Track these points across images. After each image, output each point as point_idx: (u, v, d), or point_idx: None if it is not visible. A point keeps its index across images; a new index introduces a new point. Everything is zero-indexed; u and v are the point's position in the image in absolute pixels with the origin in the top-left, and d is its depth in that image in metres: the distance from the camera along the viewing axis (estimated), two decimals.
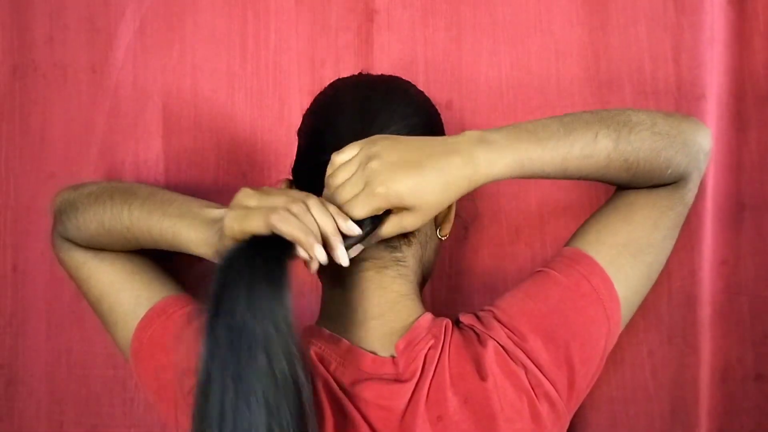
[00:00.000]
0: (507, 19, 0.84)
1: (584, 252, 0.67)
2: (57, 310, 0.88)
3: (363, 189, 0.57)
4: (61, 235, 0.75)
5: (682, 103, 0.81)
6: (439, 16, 0.85)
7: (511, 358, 0.62)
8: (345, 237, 0.57)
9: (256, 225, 0.55)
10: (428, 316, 0.66)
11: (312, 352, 0.64)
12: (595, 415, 0.82)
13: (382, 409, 0.61)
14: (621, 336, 0.70)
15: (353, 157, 0.59)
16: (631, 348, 0.81)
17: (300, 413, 0.50)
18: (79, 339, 0.87)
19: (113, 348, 0.78)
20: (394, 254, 0.66)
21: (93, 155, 0.87)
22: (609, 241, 0.68)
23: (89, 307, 0.78)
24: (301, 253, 0.55)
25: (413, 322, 0.65)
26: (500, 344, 0.63)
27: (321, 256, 0.55)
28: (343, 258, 0.56)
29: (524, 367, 0.62)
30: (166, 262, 0.78)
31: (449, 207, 0.69)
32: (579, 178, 0.65)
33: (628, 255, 0.67)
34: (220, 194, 0.82)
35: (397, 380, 0.62)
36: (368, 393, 0.62)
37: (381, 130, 0.62)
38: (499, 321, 0.64)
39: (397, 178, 0.56)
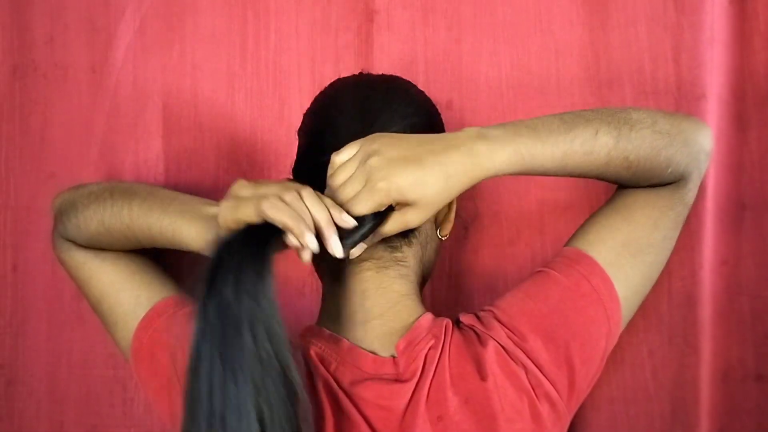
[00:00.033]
0: (507, 18, 0.84)
1: (584, 252, 0.67)
2: (57, 310, 0.88)
3: (364, 186, 0.57)
4: (61, 235, 0.75)
5: (682, 103, 0.81)
6: (439, 15, 0.85)
7: (512, 358, 0.62)
8: (348, 234, 0.57)
9: (247, 213, 0.56)
10: (428, 316, 0.66)
11: (312, 352, 0.64)
12: (596, 416, 0.82)
13: (382, 409, 0.61)
14: (621, 336, 0.70)
15: (353, 156, 0.59)
16: (631, 348, 0.81)
17: (287, 392, 0.51)
18: (80, 339, 0.87)
19: (113, 348, 0.78)
20: (394, 254, 0.65)
21: (93, 155, 0.88)
22: (609, 241, 0.68)
23: (89, 307, 0.78)
24: (292, 240, 0.55)
25: (413, 322, 0.65)
26: (500, 344, 0.63)
27: (312, 243, 0.55)
28: (336, 249, 0.56)
29: (524, 368, 0.62)
30: (166, 261, 0.78)
31: (449, 207, 0.69)
32: (579, 176, 0.65)
33: (628, 255, 0.67)
34: (220, 194, 0.80)
35: (398, 380, 0.62)
36: (368, 393, 0.62)
37: (381, 130, 0.62)
38: (499, 321, 0.64)
39: (397, 173, 0.57)
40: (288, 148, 0.86)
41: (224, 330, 0.50)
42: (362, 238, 0.58)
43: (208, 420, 0.49)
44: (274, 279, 0.53)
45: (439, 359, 0.62)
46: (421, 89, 0.72)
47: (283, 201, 0.55)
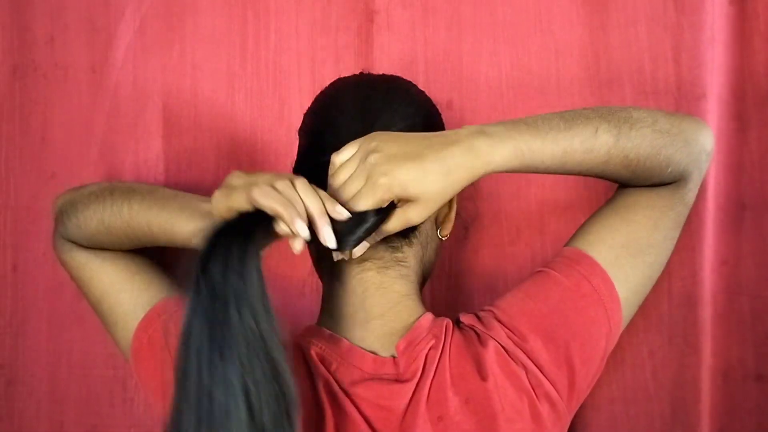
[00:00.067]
0: (507, 18, 0.84)
1: (584, 252, 0.67)
2: (57, 310, 0.88)
3: (365, 183, 0.57)
4: (62, 235, 0.76)
5: (683, 103, 0.81)
6: (439, 15, 0.85)
7: (512, 359, 0.62)
8: (351, 231, 0.57)
9: (239, 201, 0.56)
10: (429, 316, 0.66)
11: (312, 352, 0.64)
12: (596, 416, 0.82)
13: (382, 409, 0.61)
14: (621, 336, 0.70)
15: (353, 155, 0.59)
16: (631, 348, 0.81)
17: (273, 372, 0.51)
18: (80, 339, 0.87)
19: (113, 348, 0.78)
20: (395, 254, 0.65)
21: (93, 155, 0.88)
22: (609, 242, 0.68)
23: (89, 307, 0.78)
24: (283, 228, 0.55)
25: (414, 322, 0.65)
26: (501, 344, 0.63)
27: (302, 231, 0.55)
28: (329, 239, 0.56)
29: (525, 368, 0.62)
30: (166, 261, 0.78)
31: (450, 207, 0.69)
32: (579, 174, 0.65)
33: (628, 255, 0.67)
34: None
35: (398, 380, 0.62)
36: (369, 393, 0.62)
37: (382, 130, 0.62)
38: (499, 321, 0.64)
39: (398, 168, 0.57)
40: (288, 148, 0.86)
41: (213, 307, 0.50)
42: (366, 235, 0.58)
43: (197, 394, 0.49)
44: (261, 261, 0.53)
45: (439, 359, 0.62)
46: (422, 89, 0.72)
47: (274, 188, 0.55)
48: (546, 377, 0.62)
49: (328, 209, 0.57)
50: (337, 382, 0.62)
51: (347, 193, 0.58)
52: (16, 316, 0.88)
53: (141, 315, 0.72)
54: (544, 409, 0.62)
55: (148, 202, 0.69)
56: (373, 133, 0.60)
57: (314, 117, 0.69)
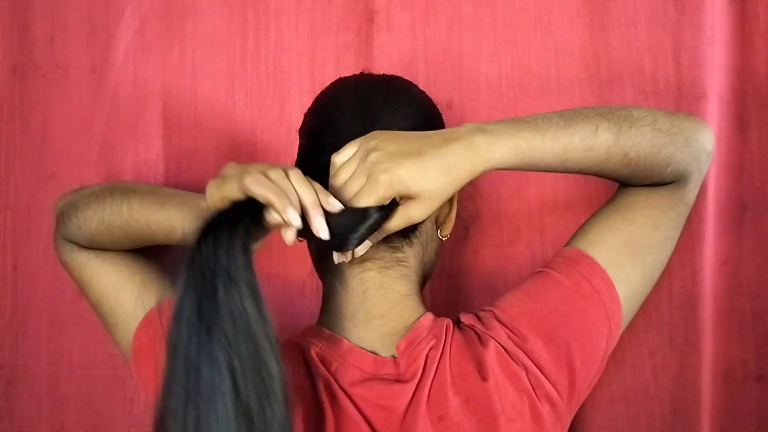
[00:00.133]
0: (507, 18, 0.84)
1: (585, 252, 0.67)
2: (57, 310, 0.88)
3: (367, 181, 0.57)
4: (63, 236, 0.76)
5: (683, 103, 0.81)
6: (440, 15, 0.85)
7: (512, 359, 0.62)
8: (354, 228, 0.57)
9: (231, 190, 0.56)
10: (429, 316, 0.66)
11: (313, 352, 0.64)
12: (596, 416, 0.82)
13: (383, 410, 0.61)
14: (622, 336, 0.69)
15: (353, 155, 0.59)
16: (632, 348, 0.81)
17: (258, 351, 0.51)
18: (80, 339, 0.87)
19: (113, 348, 0.78)
20: (395, 254, 0.65)
21: (93, 155, 0.88)
22: (609, 242, 0.68)
23: (90, 307, 0.78)
24: (275, 217, 0.55)
25: (414, 322, 0.65)
26: (501, 345, 0.63)
27: (294, 219, 0.55)
28: (322, 230, 0.56)
29: (525, 368, 0.62)
30: (166, 261, 0.78)
31: (450, 207, 0.69)
32: (579, 172, 0.65)
33: (628, 255, 0.67)
34: None
35: (398, 380, 0.62)
36: (369, 393, 0.62)
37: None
38: (499, 321, 0.64)
39: (399, 166, 0.57)
40: (288, 148, 0.86)
41: (202, 285, 0.51)
42: (369, 232, 0.58)
43: (185, 369, 0.50)
44: (252, 247, 0.53)
45: (439, 359, 0.62)
46: (422, 89, 0.72)
47: (267, 177, 0.55)
48: (546, 377, 0.62)
49: (321, 201, 0.57)
50: (337, 382, 0.62)
51: (349, 191, 0.58)
52: (16, 316, 0.88)
53: (141, 315, 0.72)
54: (544, 409, 0.62)
55: (148, 200, 0.69)
56: (373, 132, 0.60)
57: (315, 117, 0.69)
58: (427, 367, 0.62)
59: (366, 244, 0.60)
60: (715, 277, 0.81)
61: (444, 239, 0.70)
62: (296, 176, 0.57)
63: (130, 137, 0.87)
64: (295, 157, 0.70)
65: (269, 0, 0.87)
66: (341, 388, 0.62)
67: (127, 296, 0.74)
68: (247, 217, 0.55)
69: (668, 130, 0.66)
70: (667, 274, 0.76)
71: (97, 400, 0.87)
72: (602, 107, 0.66)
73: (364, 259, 0.64)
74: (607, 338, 0.66)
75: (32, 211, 0.88)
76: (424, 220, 0.63)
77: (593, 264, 0.66)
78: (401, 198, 0.59)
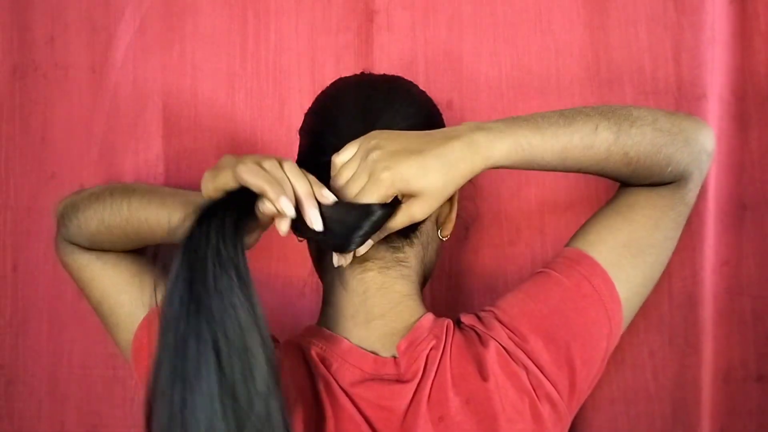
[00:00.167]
0: (507, 18, 0.84)
1: (585, 252, 0.67)
2: (57, 310, 0.88)
3: (368, 179, 0.57)
4: (64, 238, 0.76)
5: (683, 103, 0.81)
6: (440, 15, 0.85)
7: (513, 359, 0.62)
8: (357, 227, 0.57)
9: (225, 179, 0.56)
10: (430, 316, 0.65)
11: (313, 352, 0.64)
12: (596, 416, 0.82)
13: (383, 410, 0.61)
14: (622, 337, 0.69)
15: (354, 155, 0.59)
16: (632, 349, 0.81)
17: (240, 331, 0.51)
18: (80, 339, 0.87)
19: (113, 348, 0.78)
20: (396, 254, 0.65)
21: (93, 155, 0.88)
22: (610, 242, 0.68)
23: (90, 307, 0.78)
24: (268, 206, 0.55)
25: (415, 322, 0.65)
26: (501, 345, 0.63)
27: (287, 209, 0.55)
28: (316, 222, 0.56)
29: (525, 368, 0.62)
30: (166, 262, 0.78)
31: (451, 207, 0.69)
32: (579, 171, 0.65)
33: (629, 255, 0.67)
34: None
35: (399, 381, 0.62)
36: (369, 393, 0.61)
37: None
38: (500, 321, 0.64)
39: (400, 163, 0.57)
40: (288, 148, 0.86)
41: (194, 263, 0.51)
42: (373, 230, 0.58)
43: (173, 343, 0.50)
44: (244, 229, 0.54)
45: (440, 360, 0.62)
46: (422, 89, 0.72)
47: (261, 167, 0.56)
48: (547, 378, 0.62)
49: (315, 192, 0.57)
50: (337, 382, 0.62)
51: (351, 191, 0.58)
52: (16, 316, 0.88)
53: (141, 316, 0.72)
54: (545, 409, 0.62)
55: (148, 199, 0.70)
56: (373, 132, 0.60)
57: (315, 117, 0.69)
58: (428, 367, 0.62)
59: (368, 244, 0.60)
60: (715, 277, 0.81)
61: (444, 239, 0.70)
62: (290, 167, 0.57)
63: (130, 137, 0.87)
64: (296, 157, 0.70)
65: (269, 0, 0.87)
66: (341, 388, 0.62)
67: (128, 297, 0.74)
68: (240, 204, 0.55)
69: (668, 129, 0.66)
70: (667, 274, 0.76)
71: (97, 400, 0.87)
72: (602, 106, 0.66)
73: (364, 259, 0.64)
74: (607, 338, 0.66)
75: (32, 211, 0.88)
76: (424, 220, 0.63)
77: (594, 264, 0.66)
78: (403, 196, 0.59)
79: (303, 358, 0.64)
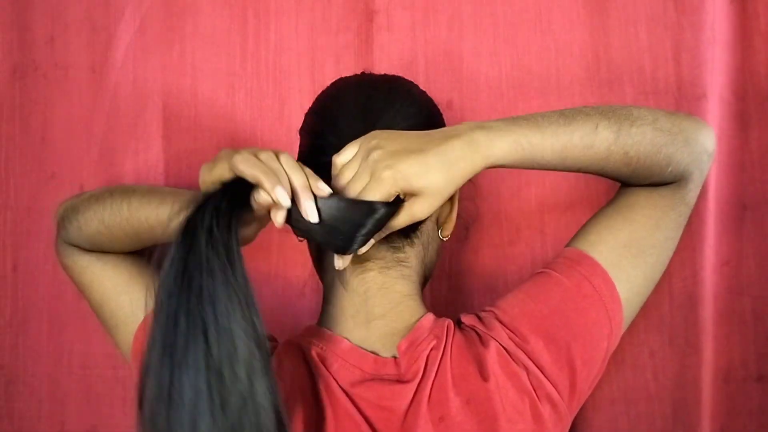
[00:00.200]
0: (507, 18, 0.84)
1: (585, 253, 0.67)
2: (57, 310, 0.88)
3: (370, 178, 0.57)
4: (64, 240, 0.76)
5: (683, 103, 0.81)
6: (440, 15, 0.85)
7: (513, 359, 0.62)
8: (361, 225, 0.57)
9: (221, 170, 0.56)
10: (430, 316, 0.65)
11: (313, 353, 0.64)
12: (597, 416, 0.82)
13: (383, 410, 0.61)
14: (622, 337, 0.69)
15: (355, 155, 0.59)
16: (632, 349, 0.81)
17: (231, 302, 0.52)
18: (80, 339, 0.87)
19: (113, 348, 0.78)
20: (396, 255, 0.65)
21: (93, 155, 0.88)
22: (610, 242, 0.67)
23: (90, 307, 0.78)
24: (263, 197, 0.55)
25: (415, 322, 0.65)
26: (502, 345, 0.63)
27: (283, 199, 0.55)
28: (311, 214, 0.56)
29: (526, 368, 0.62)
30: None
31: (451, 207, 0.69)
32: (579, 170, 0.65)
33: (629, 256, 0.67)
34: None
35: (399, 381, 0.62)
36: (370, 393, 0.61)
37: None
38: (500, 322, 0.64)
39: (401, 162, 0.57)
40: (288, 148, 0.85)
41: (189, 245, 0.52)
42: (377, 228, 0.58)
43: (166, 321, 0.51)
44: (238, 215, 0.55)
45: (440, 360, 0.62)
46: (422, 89, 0.72)
47: (257, 158, 0.56)
48: (547, 378, 0.62)
49: (311, 185, 0.57)
50: (337, 382, 0.62)
51: (353, 191, 0.58)
52: (16, 316, 0.88)
53: (141, 317, 0.72)
54: (545, 409, 0.62)
55: (148, 199, 0.70)
56: (373, 132, 0.60)
57: (315, 117, 0.69)
58: (428, 367, 0.62)
59: (369, 243, 0.60)
60: (715, 277, 0.81)
61: (445, 239, 0.70)
62: (287, 159, 0.57)
63: (130, 137, 0.87)
64: (296, 157, 0.70)
65: (269, 0, 0.87)
66: (342, 388, 0.62)
67: (128, 299, 0.74)
68: (235, 194, 0.55)
69: (669, 129, 0.66)
70: (667, 275, 0.76)
71: (97, 400, 0.87)
72: (603, 106, 0.66)
73: (365, 259, 0.64)
74: (608, 339, 0.66)
75: (32, 211, 0.88)
76: (425, 220, 0.63)
77: (594, 264, 0.66)
78: (405, 195, 0.59)
79: (303, 358, 0.64)
